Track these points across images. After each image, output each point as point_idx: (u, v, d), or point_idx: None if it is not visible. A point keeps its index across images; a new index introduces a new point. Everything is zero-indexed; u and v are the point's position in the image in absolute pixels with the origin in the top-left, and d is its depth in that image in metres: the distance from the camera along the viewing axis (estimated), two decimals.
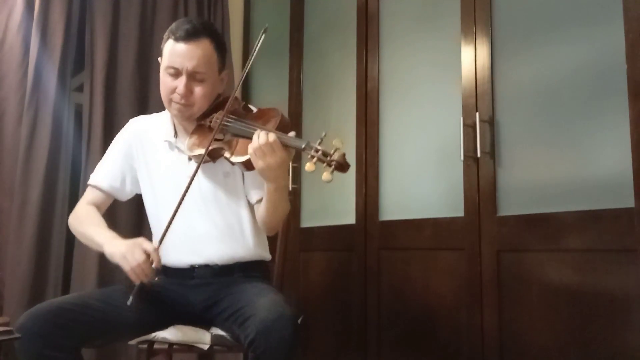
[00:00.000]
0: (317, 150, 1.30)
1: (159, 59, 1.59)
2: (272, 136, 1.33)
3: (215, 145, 1.46)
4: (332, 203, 2.50)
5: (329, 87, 2.62)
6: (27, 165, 2.44)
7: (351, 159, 2.35)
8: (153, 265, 1.37)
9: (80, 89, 2.79)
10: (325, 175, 1.28)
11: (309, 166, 1.31)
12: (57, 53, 2.55)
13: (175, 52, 1.50)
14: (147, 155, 1.65)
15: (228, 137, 1.48)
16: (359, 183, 2.34)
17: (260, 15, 3.27)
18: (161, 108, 3.02)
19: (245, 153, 1.39)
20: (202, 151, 1.46)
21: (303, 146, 1.32)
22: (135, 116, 2.79)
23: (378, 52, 2.34)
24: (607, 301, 1.51)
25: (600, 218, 1.54)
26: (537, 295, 1.67)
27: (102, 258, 2.54)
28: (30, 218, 2.41)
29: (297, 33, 2.84)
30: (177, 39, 1.50)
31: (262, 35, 1.46)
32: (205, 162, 1.47)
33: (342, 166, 1.29)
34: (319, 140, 1.33)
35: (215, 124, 1.48)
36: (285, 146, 1.35)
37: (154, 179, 1.64)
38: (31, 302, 2.31)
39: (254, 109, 1.61)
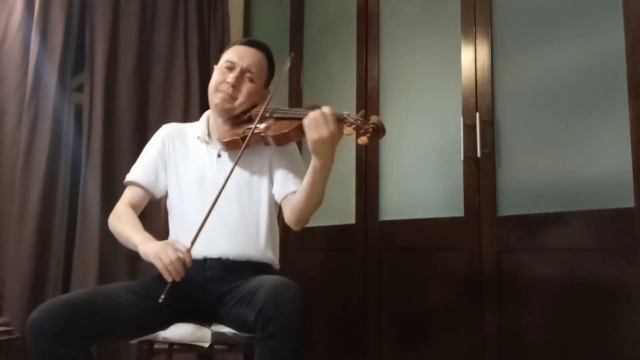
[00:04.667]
0: (357, 120, 1.45)
1: (215, 66, 1.74)
2: (326, 108, 1.46)
3: (253, 131, 1.57)
4: (332, 203, 2.50)
5: (329, 87, 2.62)
6: (27, 165, 2.44)
7: (351, 159, 2.37)
8: (185, 264, 1.43)
9: (80, 89, 2.79)
10: (362, 138, 1.44)
11: (347, 130, 1.45)
12: (57, 53, 2.55)
13: (235, 51, 1.71)
14: (177, 150, 1.75)
15: (264, 124, 1.59)
16: (359, 183, 2.34)
17: (260, 15, 3.27)
18: (161, 108, 3.00)
19: (283, 129, 1.52)
20: (235, 137, 1.61)
21: (346, 113, 1.47)
22: (135, 116, 2.83)
23: (378, 52, 2.34)
24: (607, 301, 1.52)
25: (600, 218, 1.54)
26: (537, 295, 1.68)
27: (102, 258, 2.57)
28: (30, 218, 2.41)
29: (297, 33, 2.84)
30: (240, 43, 1.73)
31: (288, 63, 1.67)
32: (238, 147, 1.59)
33: (378, 129, 1.43)
34: (360, 114, 1.49)
35: (256, 113, 1.61)
36: (337, 120, 1.46)
37: (180, 171, 1.72)
38: (31, 302, 2.31)
39: None
